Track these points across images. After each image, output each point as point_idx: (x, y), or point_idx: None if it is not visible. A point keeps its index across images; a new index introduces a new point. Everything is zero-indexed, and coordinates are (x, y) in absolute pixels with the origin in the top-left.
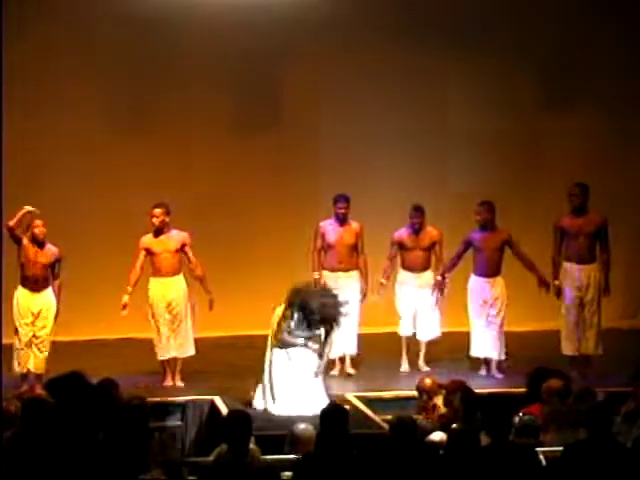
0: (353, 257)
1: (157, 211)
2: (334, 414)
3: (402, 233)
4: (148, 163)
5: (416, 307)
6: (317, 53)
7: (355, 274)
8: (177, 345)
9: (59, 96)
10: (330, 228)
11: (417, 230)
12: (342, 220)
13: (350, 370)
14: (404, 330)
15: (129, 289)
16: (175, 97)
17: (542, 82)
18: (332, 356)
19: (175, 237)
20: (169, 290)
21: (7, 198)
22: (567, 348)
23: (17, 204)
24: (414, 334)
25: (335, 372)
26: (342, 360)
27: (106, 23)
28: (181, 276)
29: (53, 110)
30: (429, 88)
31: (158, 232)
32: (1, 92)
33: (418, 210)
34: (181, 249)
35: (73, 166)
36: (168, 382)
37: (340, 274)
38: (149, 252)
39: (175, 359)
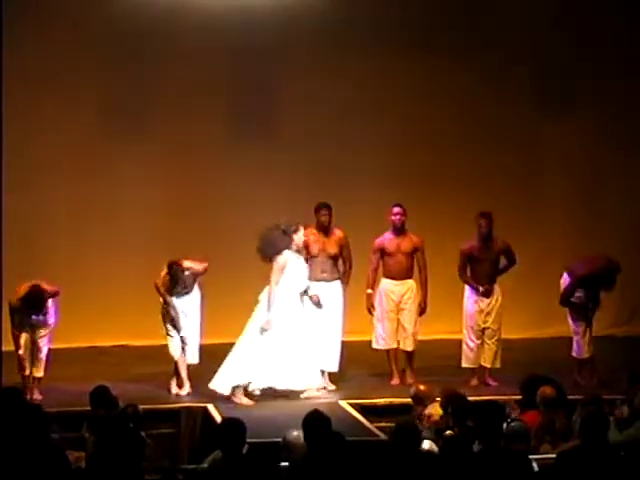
0: (336, 267)
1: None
2: (314, 422)
3: (383, 238)
4: (145, 164)
5: (398, 317)
6: (312, 56)
7: (338, 284)
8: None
9: (56, 97)
10: (312, 238)
11: (398, 229)
12: (325, 228)
13: (330, 386)
14: (387, 343)
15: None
16: (172, 99)
17: (541, 85)
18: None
19: None
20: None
21: (7, 200)
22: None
23: (16, 207)
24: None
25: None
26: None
27: (104, 25)
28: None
29: (51, 111)
30: (424, 90)
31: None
32: (1, 92)
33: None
34: None
35: (70, 168)
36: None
37: (323, 284)
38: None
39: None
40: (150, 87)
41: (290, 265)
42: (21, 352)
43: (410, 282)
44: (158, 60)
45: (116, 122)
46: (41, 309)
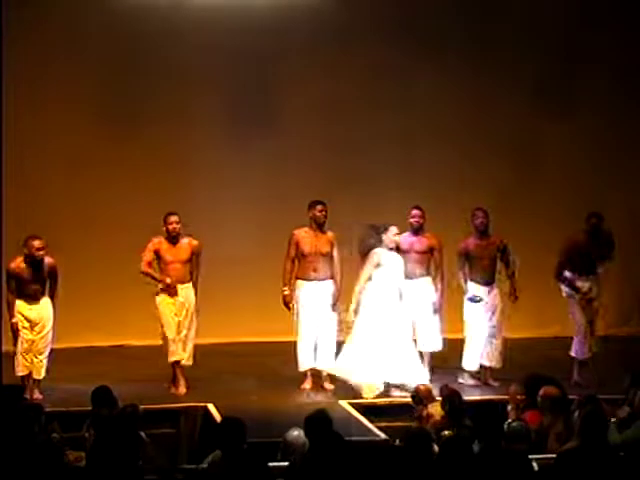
0: (328, 266)
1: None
2: (317, 420)
3: (399, 237)
4: (144, 164)
5: (414, 316)
6: (312, 56)
7: (330, 283)
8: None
9: (55, 99)
10: (305, 236)
11: (416, 230)
12: (321, 225)
13: (328, 385)
14: None
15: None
16: (171, 100)
17: (541, 85)
18: (302, 369)
19: None
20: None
21: (6, 200)
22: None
23: (17, 211)
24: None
25: (307, 385)
26: (319, 374)
27: (103, 25)
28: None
29: (50, 113)
30: (424, 91)
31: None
32: (1, 92)
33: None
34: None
35: (69, 168)
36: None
37: (315, 284)
38: None
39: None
40: (150, 87)
41: (384, 262)
42: (14, 320)
43: (423, 281)
44: (158, 60)
45: (115, 122)
46: (38, 258)
